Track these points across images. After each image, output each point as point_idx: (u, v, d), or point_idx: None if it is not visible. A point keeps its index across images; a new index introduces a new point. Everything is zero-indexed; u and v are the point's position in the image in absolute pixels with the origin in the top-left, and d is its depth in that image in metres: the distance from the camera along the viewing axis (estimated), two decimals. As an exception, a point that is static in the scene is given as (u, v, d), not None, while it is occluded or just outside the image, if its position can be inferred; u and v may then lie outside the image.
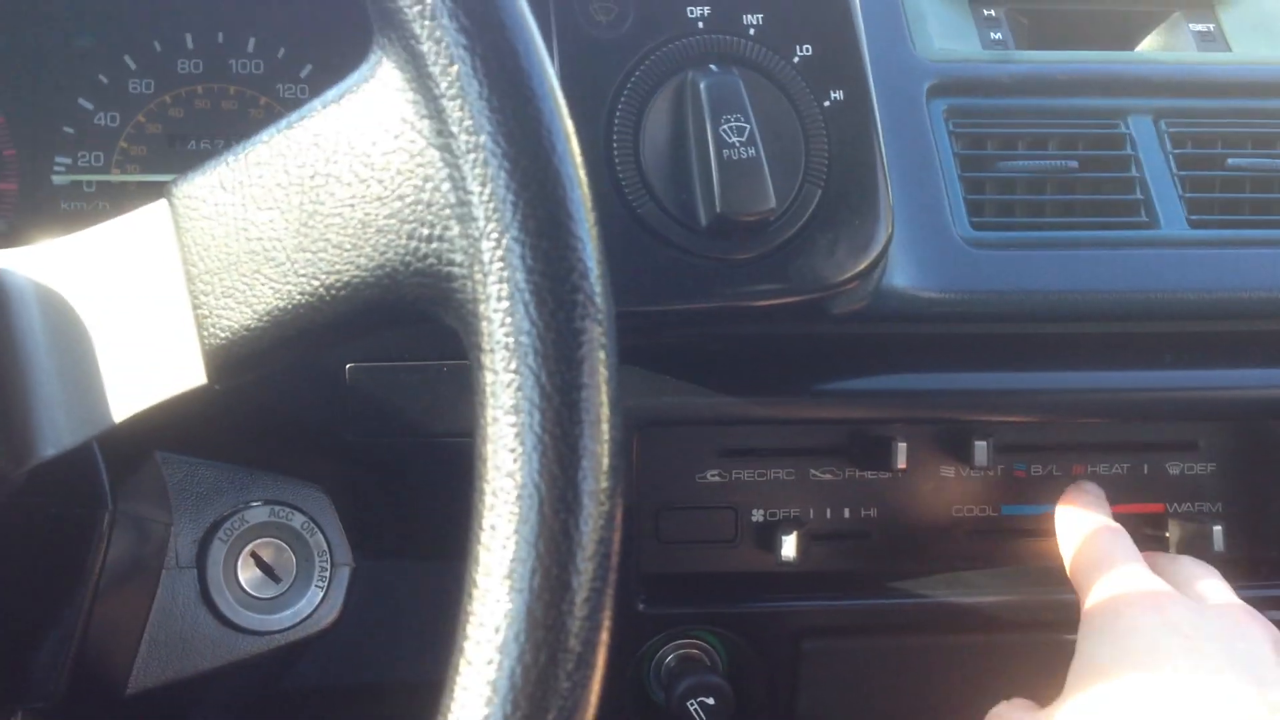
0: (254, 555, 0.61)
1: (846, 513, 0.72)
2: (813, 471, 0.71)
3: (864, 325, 0.63)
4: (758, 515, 0.71)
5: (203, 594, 0.60)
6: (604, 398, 0.32)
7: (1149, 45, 0.81)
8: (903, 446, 0.68)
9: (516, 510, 0.32)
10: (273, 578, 0.62)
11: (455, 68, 0.33)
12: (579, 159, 0.34)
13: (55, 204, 0.72)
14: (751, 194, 0.52)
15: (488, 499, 0.32)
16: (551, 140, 0.33)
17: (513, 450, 0.32)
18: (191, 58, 0.74)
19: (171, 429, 0.44)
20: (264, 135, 0.38)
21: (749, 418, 0.66)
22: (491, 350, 0.33)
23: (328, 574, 0.62)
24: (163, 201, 0.40)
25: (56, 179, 0.73)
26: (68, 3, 0.73)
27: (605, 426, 0.32)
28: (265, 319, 0.37)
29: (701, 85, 0.52)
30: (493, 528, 0.32)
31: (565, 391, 0.32)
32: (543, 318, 0.32)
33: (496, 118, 0.33)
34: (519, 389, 0.32)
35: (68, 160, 0.73)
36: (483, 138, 0.33)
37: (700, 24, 0.55)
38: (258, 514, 0.61)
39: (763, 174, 0.52)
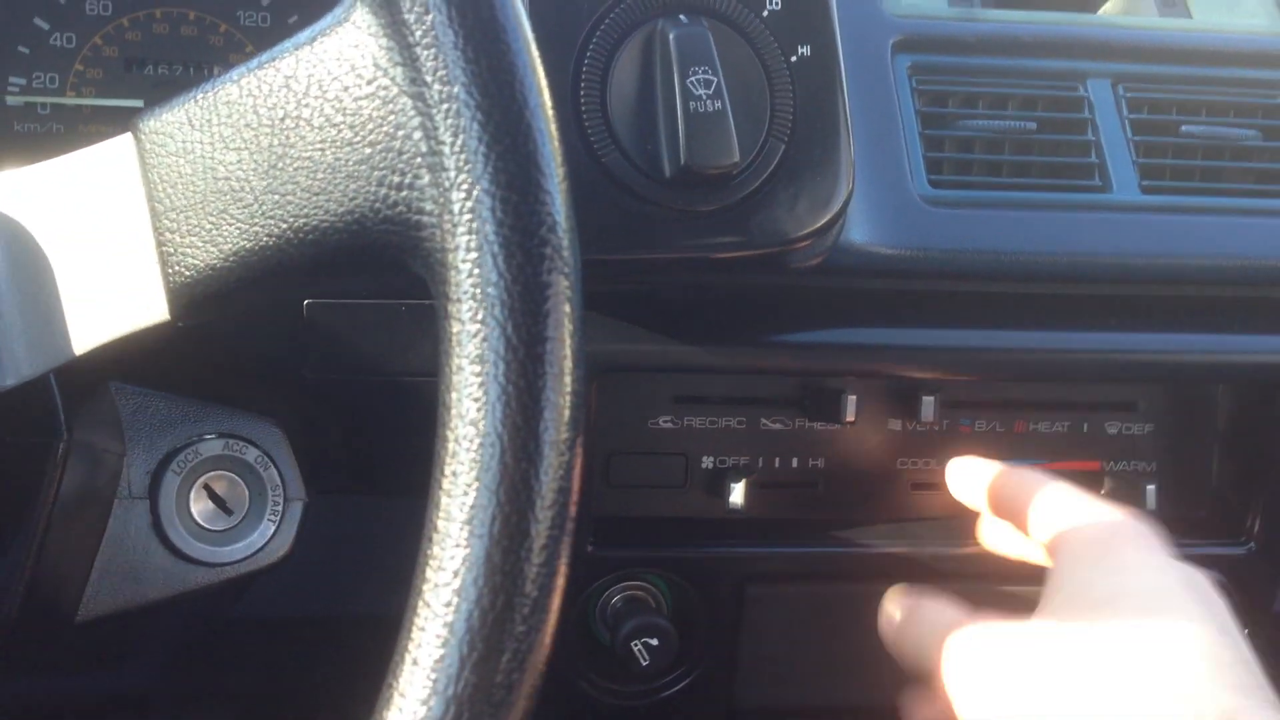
0: (207, 487, 0.62)
1: (795, 462, 0.73)
2: (763, 421, 0.72)
3: (821, 279, 0.64)
4: (708, 462, 0.72)
5: (154, 524, 0.60)
6: (568, 350, 0.33)
7: (1112, 9, 0.82)
8: (852, 399, 0.69)
9: (478, 458, 0.32)
10: (225, 510, 0.62)
11: (431, 16, 0.33)
12: (551, 114, 0.34)
13: (9, 124, 0.71)
14: (716, 147, 0.52)
15: (450, 446, 0.33)
16: (525, 94, 0.33)
17: (477, 399, 0.32)
18: (152, -20, 0.73)
19: (127, 360, 0.44)
20: (234, 74, 0.37)
21: (703, 366, 0.67)
22: (458, 300, 0.33)
23: (280, 508, 0.62)
24: (128, 135, 0.40)
25: (10, 99, 0.71)
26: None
27: (569, 379, 0.33)
28: (231, 259, 0.37)
29: (671, 36, 0.53)
30: (454, 474, 0.33)
31: (530, 344, 0.32)
32: (510, 270, 0.32)
33: (471, 69, 0.33)
34: (484, 339, 0.32)
35: (22, 81, 0.71)
36: (456, 88, 0.33)
37: (670, -27, 0.55)
38: (212, 447, 0.61)
39: (728, 127, 0.52)
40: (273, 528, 0.62)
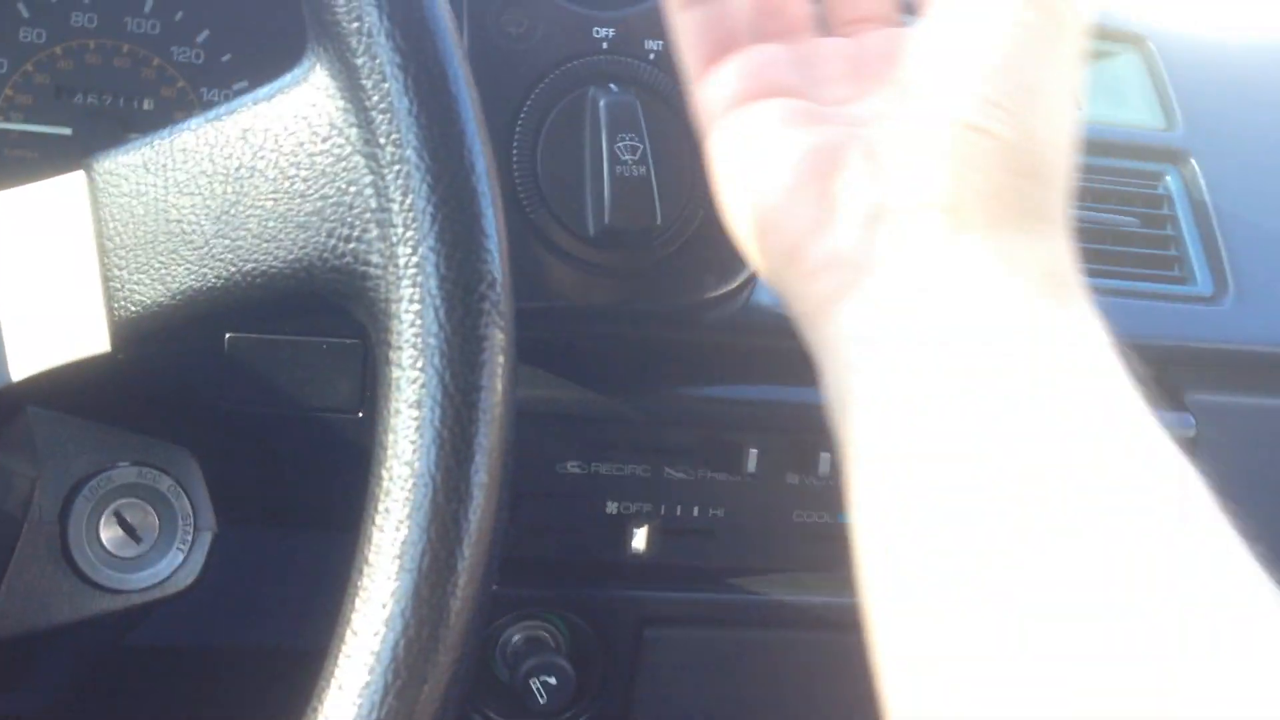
0: (117, 514, 0.62)
1: (695, 510, 0.76)
2: (667, 469, 0.75)
3: (729, 336, 0.67)
4: (612, 508, 0.74)
5: (63, 549, 0.60)
6: (500, 400, 0.36)
7: (1008, 97, 0.87)
8: (754, 453, 0.72)
9: (411, 497, 0.34)
10: (134, 538, 0.62)
11: (387, 84, 0.36)
12: (495, 178, 0.37)
13: (-65, 146, 0.72)
14: (639, 210, 0.55)
15: (384, 484, 0.35)
16: (471, 160, 0.36)
17: (413, 442, 0.35)
18: (86, 11, 0.74)
19: (44, 384, 0.45)
20: (192, 123, 0.39)
21: (612, 415, 0.69)
22: (399, 348, 0.35)
23: (190, 537, 0.63)
24: (80, 173, 0.41)
25: (-65, 119, 0.72)
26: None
27: (500, 427, 0.35)
28: (178, 297, 0.39)
29: (601, 103, 0.55)
30: (387, 510, 0.35)
31: (466, 392, 0.35)
32: (451, 322, 0.35)
33: (423, 134, 0.35)
34: (423, 385, 0.35)
35: (-51, 101, 0.72)
36: (408, 151, 0.35)
37: (604, 44, 0.58)
38: (125, 474, 0.62)
39: (651, 192, 0.55)
40: (181, 556, 0.63)
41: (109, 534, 0.62)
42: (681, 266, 0.59)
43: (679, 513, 0.76)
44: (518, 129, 0.57)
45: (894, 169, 0.41)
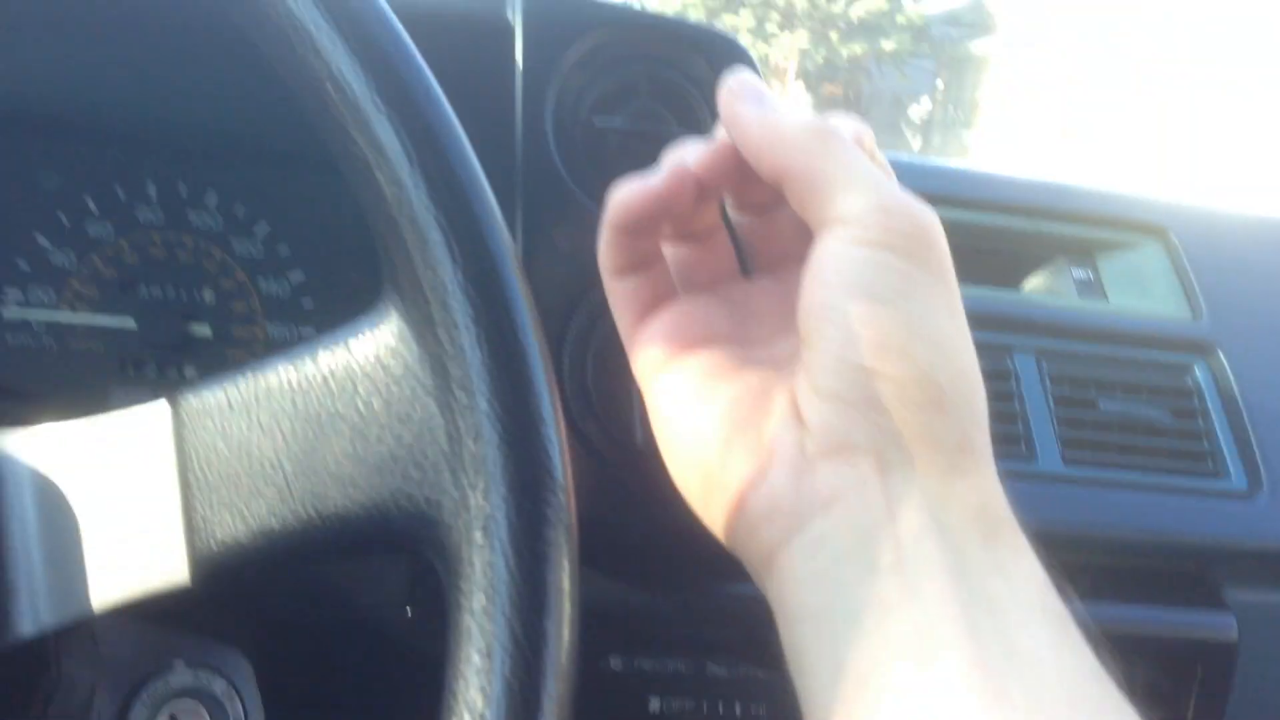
0: (173, 718, 0.63)
1: (738, 707, 0.75)
2: (710, 665, 0.75)
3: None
4: (655, 704, 0.74)
5: (119, 753, 0.61)
6: (567, 646, 0.37)
7: (1034, 285, 0.90)
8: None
9: None
10: (187, 741, 0.63)
11: (461, 335, 0.37)
12: (563, 426, 0.38)
13: (2, 338, 0.74)
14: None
15: None
16: (541, 410, 0.38)
17: (483, 690, 0.36)
18: (152, 206, 0.77)
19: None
20: (275, 364, 0.41)
21: (654, 612, 0.70)
22: (470, 593, 0.36)
23: (242, 739, 0.64)
24: (163, 403, 0.43)
25: (5, 312, 0.74)
26: (39, 143, 0.76)
27: (565, 675, 0.37)
28: (258, 536, 0.40)
29: (650, 316, 0.58)
30: None
31: (535, 641, 0.36)
32: (520, 570, 0.36)
33: (494, 384, 0.37)
34: (495, 635, 0.36)
35: (19, 295, 0.75)
36: (480, 399, 0.37)
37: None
38: (181, 678, 0.62)
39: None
40: (231, 761, 0.64)
41: (164, 738, 0.63)
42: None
43: (721, 710, 0.75)
44: (568, 340, 0.59)
45: (808, 414, 0.43)
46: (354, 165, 0.39)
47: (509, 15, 0.64)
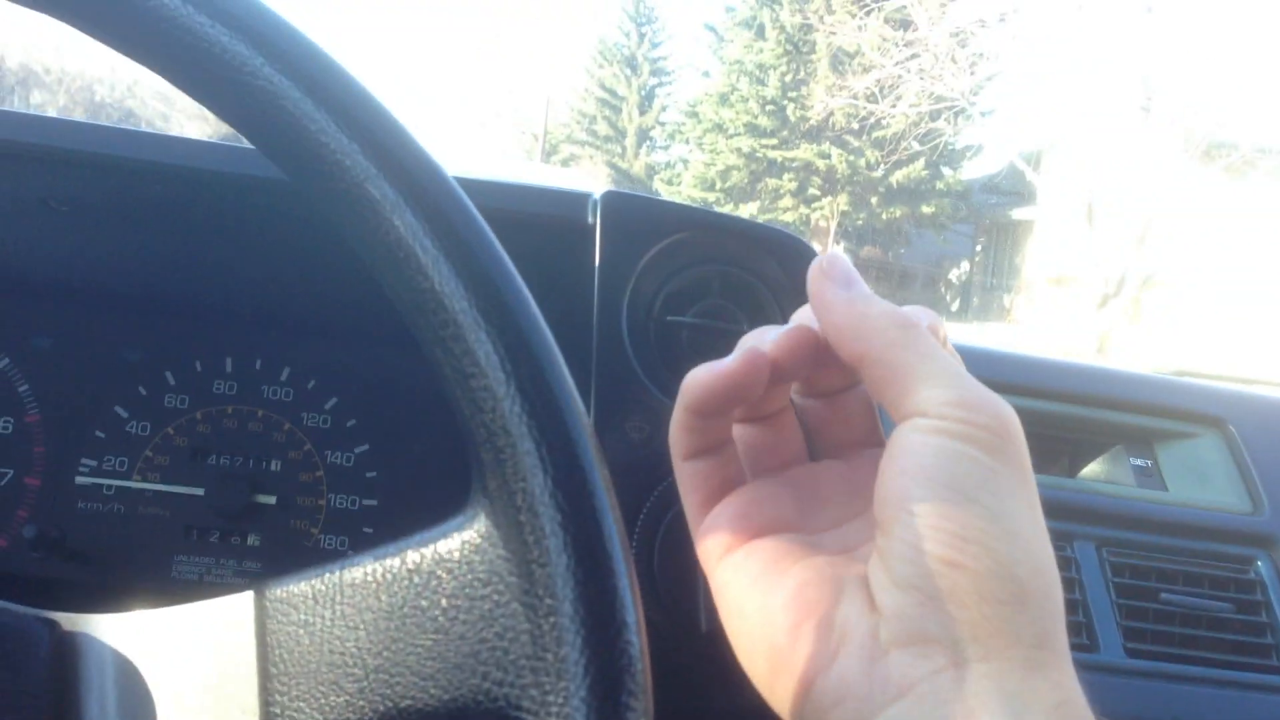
0: None
1: None
2: None
3: None
4: None
5: None
6: None
7: (1092, 472, 0.90)
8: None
9: None
10: None
11: (548, 541, 0.39)
12: (643, 630, 0.39)
13: (73, 503, 0.76)
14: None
15: None
16: (624, 616, 0.38)
17: None
18: (228, 379, 0.80)
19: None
20: (361, 559, 0.42)
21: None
22: (550, 798, 0.37)
23: None
24: (249, 594, 0.44)
25: (79, 479, 0.76)
26: (123, 319, 0.79)
27: None
28: None
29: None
30: None
31: None
32: (601, 776, 0.37)
33: (579, 590, 0.38)
34: (574, 840, 0.36)
35: (93, 462, 0.77)
36: (565, 604, 0.38)
37: (721, 450, 0.61)
38: None
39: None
40: None
41: None
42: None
43: None
44: (637, 529, 0.60)
45: (883, 602, 0.42)
46: (450, 375, 0.40)
47: (589, 218, 0.67)
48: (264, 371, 0.80)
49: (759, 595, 0.47)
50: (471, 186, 0.42)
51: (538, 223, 0.67)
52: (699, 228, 0.65)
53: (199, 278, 0.78)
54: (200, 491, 0.78)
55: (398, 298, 0.42)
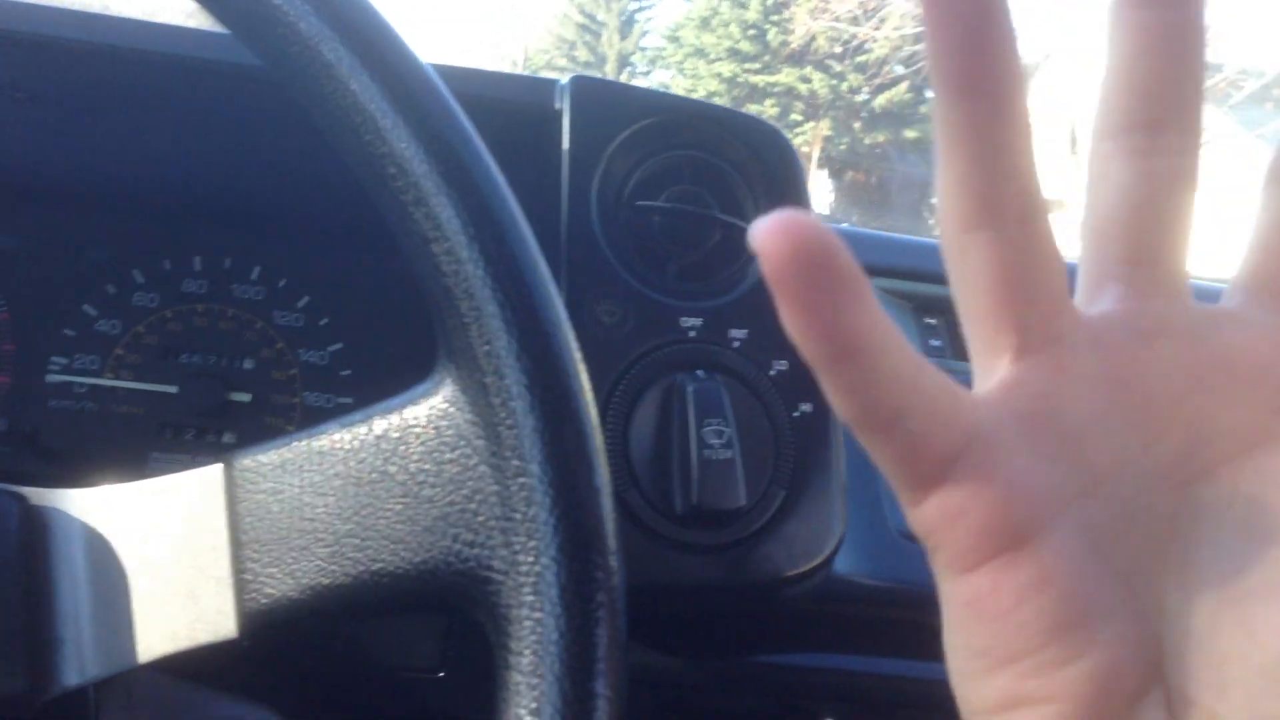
0: (203, 776, 0.63)
1: (769, 778, 0.76)
2: (740, 735, 0.75)
3: (805, 605, 0.68)
4: (685, 776, 0.74)
5: (147, 814, 0.61)
6: (615, 707, 0.37)
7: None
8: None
9: None
10: (216, 802, 0.63)
11: (515, 403, 0.38)
12: (610, 491, 0.39)
13: (44, 401, 0.75)
14: (725, 491, 0.58)
15: None
16: (592, 476, 0.38)
17: (532, 748, 0.36)
18: (198, 278, 0.79)
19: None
20: (328, 427, 0.42)
21: (688, 683, 0.70)
22: (520, 654, 0.37)
23: (269, 802, 0.64)
24: (218, 466, 0.44)
25: (50, 377, 0.76)
26: (90, 217, 0.78)
27: (614, 733, 0.37)
28: (307, 592, 0.41)
29: (689, 389, 0.59)
30: None
31: (584, 699, 0.36)
32: (570, 631, 0.37)
33: (546, 450, 0.38)
34: (543, 693, 0.36)
35: (63, 360, 0.76)
36: (532, 465, 0.38)
37: (691, 333, 0.61)
38: (214, 735, 0.63)
39: (736, 474, 0.58)
40: (260, 822, 0.63)
41: (193, 796, 0.63)
42: (763, 545, 0.60)
43: (751, 781, 0.75)
44: (609, 413, 0.60)
45: None
46: (412, 240, 0.40)
47: (556, 103, 0.66)
48: (234, 270, 0.79)
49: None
50: (438, 71, 0.42)
51: (504, 109, 0.66)
52: (669, 112, 0.65)
53: (164, 174, 0.77)
54: (174, 389, 0.77)
55: (358, 164, 0.41)
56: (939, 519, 0.30)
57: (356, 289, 0.80)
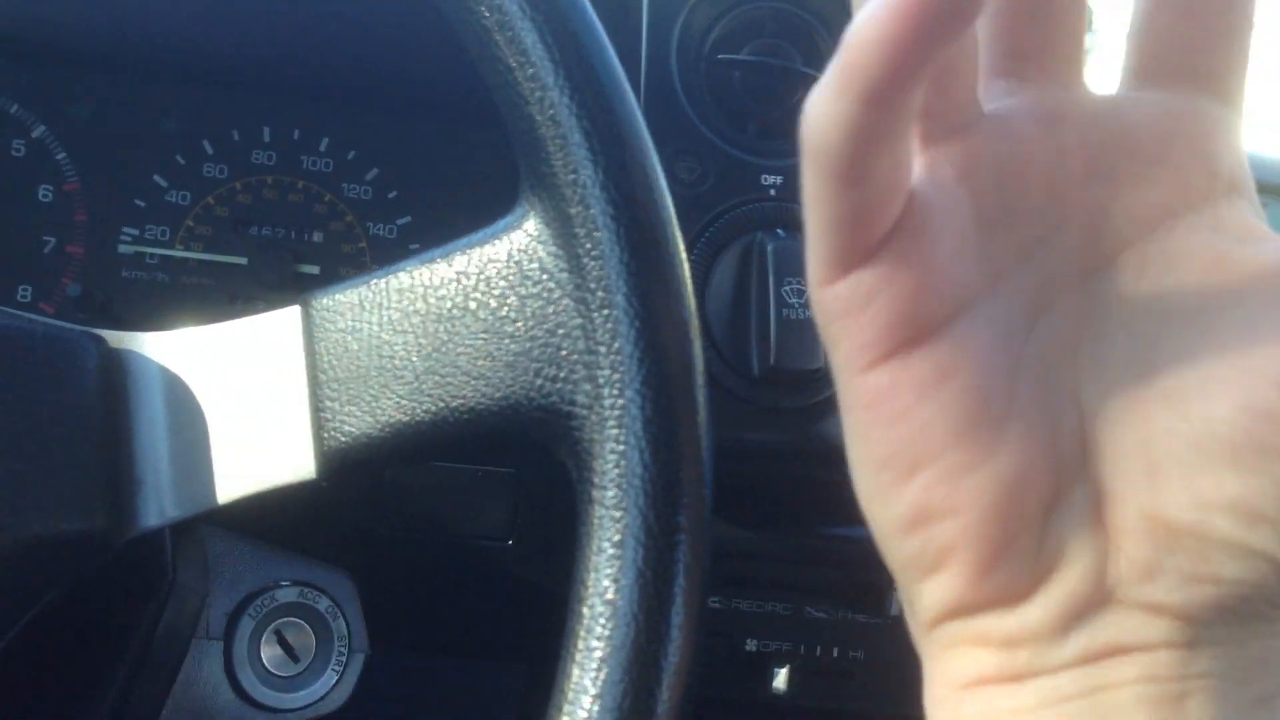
0: (278, 633, 0.64)
1: (835, 651, 0.75)
2: (808, 609, 0.74)
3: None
4: (751, 645, 0.74)
5: (226, 667, 0.62)
6: (701, 541, 0.36)
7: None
8: (897, 596, 0.71)
9: (614, 637, 0.35)
10: (292, 657, 0.64)
11: (600, 234, 0.37)
12: (697, 327, 0.38)
13: (117, 271, 0.76)
14: (804, 351, 0.56)
15: (585, 621, 0.36)
16: (680, 309, 0.37)
17: (615, 580, 0.35)
18: (266, 149, 0.78)
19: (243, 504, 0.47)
20: (408, 264, 0.41)
21: (755, 552, 0.70)
22: (603, 487, 0.36)
23: (344, 659, 0.64)
24: (295, 307, 0.44)
25: (122, 248, 0.76)
26: (160, 87, 0.77)
27: (699, 568, 0.36)
28: (387, 430, 0.41)
29: (769, 248, 0.57)
30: (588, 648, 0.35)
31: (669, 533, 0.36)
32: (656, 464, 0.36)
33: (633, 281, 0.37)
34: (627, 526, 0.36)
35: (135, 231, 0.76)
36: (618, 297, 0.37)
37: (772, 191, 0.60)
38: (287, 594, 0.63)
39: (815, 335, 0.56)
40: (335, 678, 0.64)
41: (269, 652, 0.64)
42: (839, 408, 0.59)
43: (819, 653, 0.75)
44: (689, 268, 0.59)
45: (1122, 550, 0.28)
46: (495, 68, 0.39)
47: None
48: (303, 142, 0.79)
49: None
50: None
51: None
52: (752, -38, 0.62)
53: (233, 42, 0.76)
54: (244, 261, 0.77)
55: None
56: (847, 303, 0.29)
57: (425, 162, 0.79)
